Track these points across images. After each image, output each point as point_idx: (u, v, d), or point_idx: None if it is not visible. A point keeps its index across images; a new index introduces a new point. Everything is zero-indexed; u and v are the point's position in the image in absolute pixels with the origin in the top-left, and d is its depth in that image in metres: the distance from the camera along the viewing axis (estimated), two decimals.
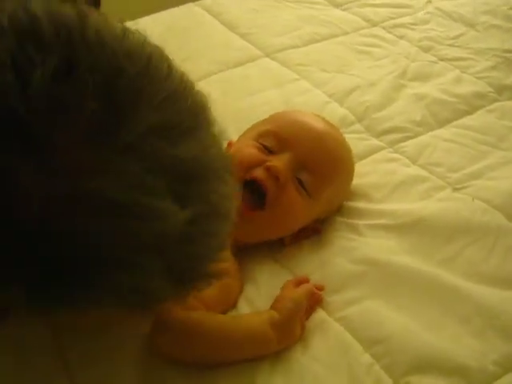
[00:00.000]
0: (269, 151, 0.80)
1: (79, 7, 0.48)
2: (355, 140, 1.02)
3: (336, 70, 1.23)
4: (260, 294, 0.76)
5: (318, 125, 0.85)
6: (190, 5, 1.55)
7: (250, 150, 0.80)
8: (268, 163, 0.77)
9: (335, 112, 1.10)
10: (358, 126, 1.07)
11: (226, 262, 0.76)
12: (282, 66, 1.26)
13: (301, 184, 0.79)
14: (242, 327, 0.69)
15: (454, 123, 1.07)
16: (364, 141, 1.03)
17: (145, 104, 0.46)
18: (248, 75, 1.24)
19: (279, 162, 0.77)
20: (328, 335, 0.70)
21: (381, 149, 1.01)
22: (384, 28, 1.39)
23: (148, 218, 0.46)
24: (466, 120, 1.08)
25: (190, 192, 0.48)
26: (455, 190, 0.90)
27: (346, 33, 1.38)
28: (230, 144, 0.90)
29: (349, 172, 0.88)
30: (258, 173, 0.77)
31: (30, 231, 0.42)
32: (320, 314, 0.73)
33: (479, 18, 1.41)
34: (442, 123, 1.07)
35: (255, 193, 0.77)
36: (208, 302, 0.72)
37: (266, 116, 0.93)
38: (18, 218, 0.42)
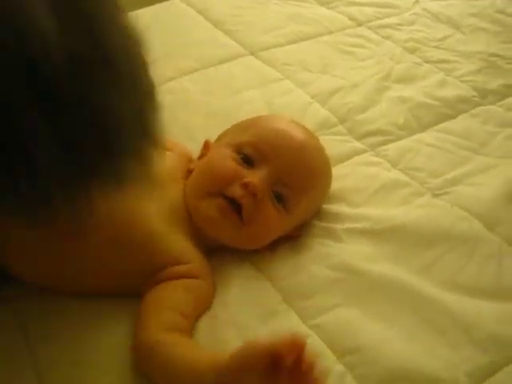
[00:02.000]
0: (246, 163, 0.78)
1: None
2: (337, 142, 1.01)
3: (320, 70, 1.22)
4: (234, 297, 0.75)
5: (298, 136, 0.82)
6: (176, 1, 1.53)
7: (227, 163, 0.78)
8: (245, 180, 0.75)
9: (317, 113, 1.08)
10: (340, 128, 1.06)
11: (194, 262, 0.75)
12: (266, 65, 1.25)
13: (278, 198, 0.77)
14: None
15: (437, 127, 1.06)
16: (346, 143, 1.02)
17: None
18: (232, 73, 1.23)
19: (256, 177, 0.76)
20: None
21: (362, 152, 1.00)
22: (370, 28, 1.38)
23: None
24: (449, 124, 1.07)
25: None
26: (435, 196, 0.90)
27: (331, 32, 1.36)
28: (206, 144, 0.88)
29: (327, 183, 0.87)
30: (235, 190, 0.75)
31: None
32: (294, 321, 0.72)
33: (466, 21, 1.40)
34: (425, 127, 1.06)
35: (231, 207, 0.76)
36: (185, 311, 0.70)
37: (248, 117, 0.92)
38: None
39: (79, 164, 0.45)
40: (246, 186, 0.75)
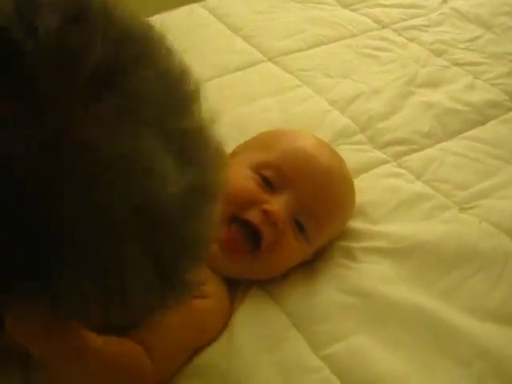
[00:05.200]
0: (267, 185, 0.72)
1: None
2: (356, 152, 0.96)
3: (340, 75, 1.16)
4: (240, 321, 0.70)
5: (324, 160, 0.76)
6: (194, 5, 1.50)
7: (247, 184, 0.72)
8: (266, 206, 0.69)
9: (336, 121, 1.03)
10: (360, 137, 1.00)
11: (204, 282, 0.69)
12: (284, 72, 1.20)
13: (298, 227, 0.72)
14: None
15: (465, 135, 0.99)
16: (366, 153, 0.96)
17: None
18: (248, 81, 1.18)
19: (278, 205, 0.70)
20: (312, 377, 0.63)
21: (384, 162, 0.94)
22: (395, 30, 1.31)
23: (145, 178, 0.39)
24: (478, 131, 1.00)
25: (190, 155, 0.42)
26: (461, 210, 0.83)
27: (354, 35, 1.31)
28: None
29: (350, 209, 0.81)
30: (254, 216, 0.69)
31: None
32: (304, 349, 0.66)
33: (497, 20, 1.33)
34: (452, 135, 0.99)
35: (246, 230, 0.70)
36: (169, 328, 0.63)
37: (263, 126, 0.87)
38: None
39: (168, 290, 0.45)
40: (266, 213, 0.69)
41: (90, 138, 0.37)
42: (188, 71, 0.46)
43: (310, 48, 1.27)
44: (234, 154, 0.82)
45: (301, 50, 1.27)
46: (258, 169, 0.74)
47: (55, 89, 0.37)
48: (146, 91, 0.40)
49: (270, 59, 1.25)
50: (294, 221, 0.72)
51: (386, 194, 0.86)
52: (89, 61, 0.38)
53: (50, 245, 0.38)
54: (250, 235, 0.70)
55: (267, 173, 0.73)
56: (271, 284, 0.74)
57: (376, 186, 0.89)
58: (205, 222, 0.44)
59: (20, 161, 0.36)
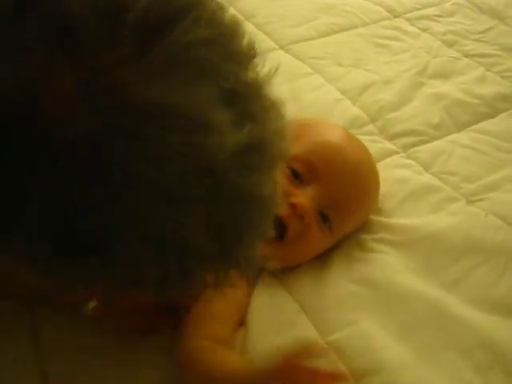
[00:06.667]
0: (296, 178, 0.73)
1: None
2: (366, 142, 0.95)
3: (352, 64, 1.17)
4: (253, 303, 0.72)
5: (353, 154, 0.77)
6: None
7: None
8: (293, 199, 0.70)
9: (347, 111, 1.03)
10: (370, 127, 1.00)
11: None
12: (295, 59, 1.20)
13: (323, 218, 0.73)
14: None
15: (474, 127, 1.00)
16: (376, 143, 0.97)
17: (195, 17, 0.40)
18: None
19: (305, 198, 0.71)
20: (318, 361, 0.65)
21: (393, 153, 0.95)
22: (407, 20, 1.32)
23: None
24: (487, 124, 1.00)
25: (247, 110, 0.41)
26: (469, 202, 0.84)
27: (366, 24, 1.31)
28: None
29: (375, 202, 0.82)
30: (281, 209, 0.70)
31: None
32: (311, 334, 0.68)
33: (511, 11, 1.33)
34: (461, 127, 1.00)
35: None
36: (223, 319, 0.67)
37: None
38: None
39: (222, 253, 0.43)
40: (294, 206, 0.70)
41: (143, 93, 0.36)
42: (240, 26, 0.44)
43: (321, 36, 1.28)
44: None
45: (312, 38, 1.27)
46: (287, 161, 0.75)
47: (102, 37, 0.36)
48: (195, 39, 0.39)
49: (281, 47, 1.25)
50: (320, 213, 0.73)
51: (394, 185, 0.87)
52: (136, 8, 0.37)
53: (112, 217, 0.37)
54: (276, 225, 0.71)
55: (296, 165, 0.74)
56: (283, 272, 0.76)
57: (385, 177, 0.88)
58: (266, 187, 0.43)
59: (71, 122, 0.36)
